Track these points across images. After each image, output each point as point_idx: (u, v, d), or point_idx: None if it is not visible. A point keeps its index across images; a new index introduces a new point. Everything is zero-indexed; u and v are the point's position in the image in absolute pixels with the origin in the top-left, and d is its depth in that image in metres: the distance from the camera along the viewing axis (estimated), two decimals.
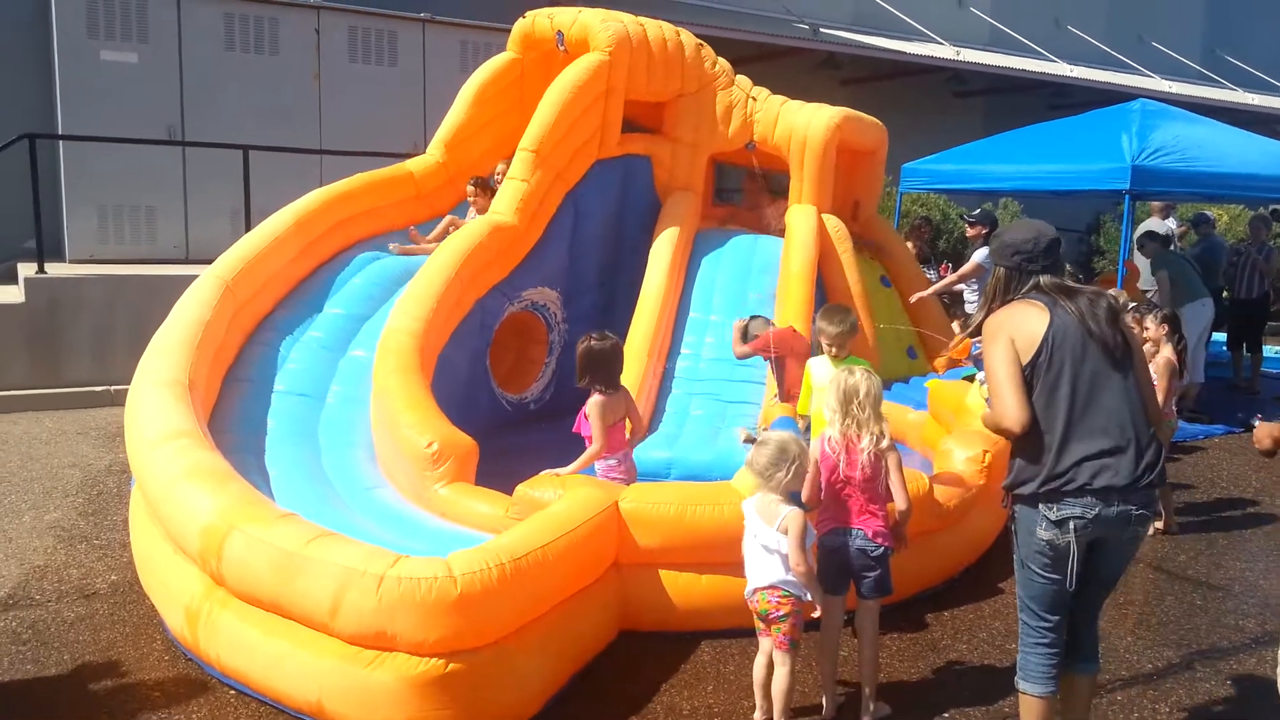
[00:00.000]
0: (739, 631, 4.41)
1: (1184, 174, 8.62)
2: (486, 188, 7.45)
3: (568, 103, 7.15)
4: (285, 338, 6.23)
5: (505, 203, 6.90)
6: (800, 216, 7.93)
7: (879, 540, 3.81)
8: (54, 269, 9.12)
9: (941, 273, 9.99)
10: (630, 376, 6.66)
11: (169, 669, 4.08)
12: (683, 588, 4.49)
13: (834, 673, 3.93)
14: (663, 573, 4.47)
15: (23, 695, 3.85)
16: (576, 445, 6.30)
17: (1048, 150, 9.71)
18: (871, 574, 3.84)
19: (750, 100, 8.27)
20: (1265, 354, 10.88)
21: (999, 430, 3.24)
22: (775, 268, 7.75)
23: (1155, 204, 11.58)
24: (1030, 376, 3.20)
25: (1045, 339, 3.19)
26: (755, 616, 3.78)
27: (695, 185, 8.24)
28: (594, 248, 7.85)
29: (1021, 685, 3.39)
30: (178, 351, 5.34)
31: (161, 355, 5.32)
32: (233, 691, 3.88)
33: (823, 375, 5.22)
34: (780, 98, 8.37)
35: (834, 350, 5.06)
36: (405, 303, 6.14)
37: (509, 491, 4.84)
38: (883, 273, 8.90)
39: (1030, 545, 3.27)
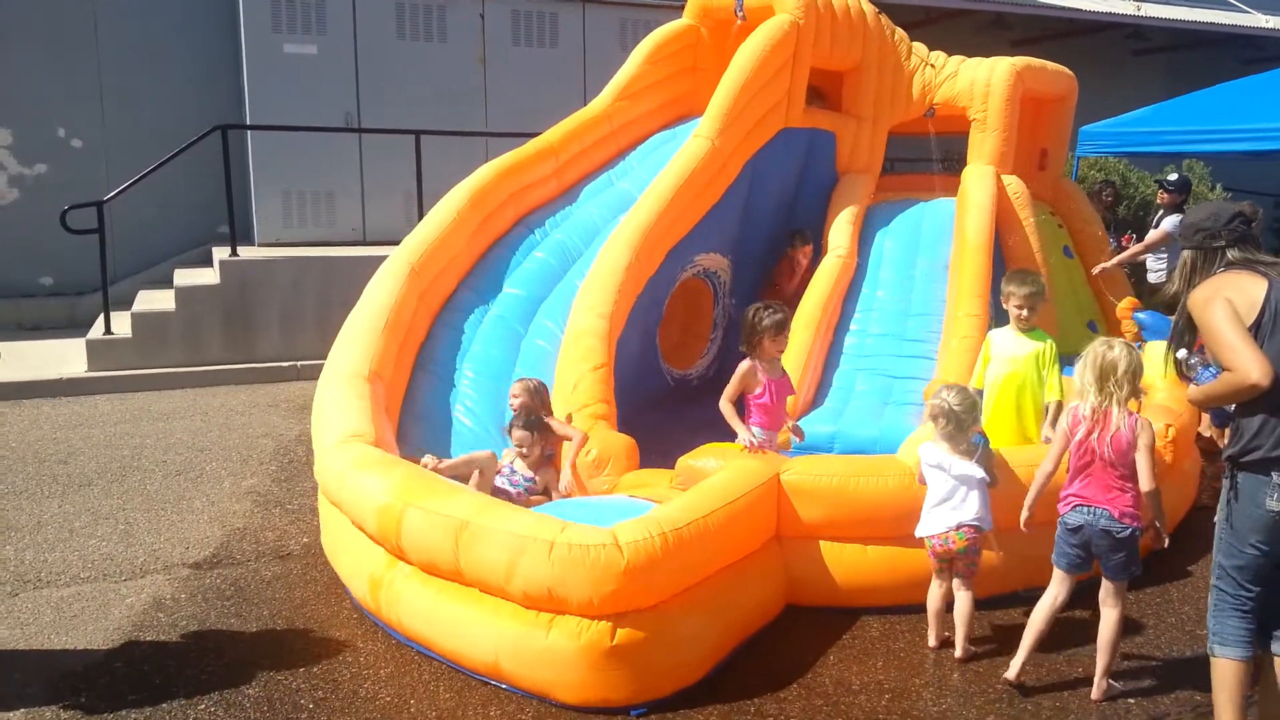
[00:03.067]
0: (907, 608, 4.39)
1: None
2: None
3: (761, 62, 7.02)
4: (468, 319, 6.39)
5: (683, 166, 6.78)
6: (977, 178, 7.55)
7: (1126, 520, 3.68)
8: (245, 252, 9.73)
9: (1124, 243, 9.47)
10: (796, 350, 6.61)
11: (356, 626, 4.32)
12: (849, 562, 4.45)
13: (1036, 644, 3.84)
14: (829, 547, 4.45)
15: (229, 645, 4.14)
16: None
17: (1242, 108, 9.06)
18: (1117, 555, 3.72)
19: (928, 66, 8.05)
20: None
21: (1239, 390, 3.05)
22: (947, 237, 7.50)
23: None
24: (1254, 338, 3.08)
25: (1268, 299, 3.12)
26: (935, 557, 4.14)
27: (874, 167, 8.07)
28: (765, 220, 7.74)
29: (1217, 650, 3.29)
30: (364, 341, 5.56)
31: (349, 346, 5.57)
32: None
33: (1005, 346, 5.09)
34: (959, 57, 8.12)
35: (1023, 314, 4.93)
36: (589, 297, 6.10)
37: (670, 465, 4.93)
38: (1067, 242, 8.50)
39: (1252, 517, 3.14)
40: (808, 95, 7.65)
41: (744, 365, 5.00)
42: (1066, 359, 7.54)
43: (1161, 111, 10.02)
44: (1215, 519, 3.34)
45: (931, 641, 4.20)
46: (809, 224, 7.71)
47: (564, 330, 6.09)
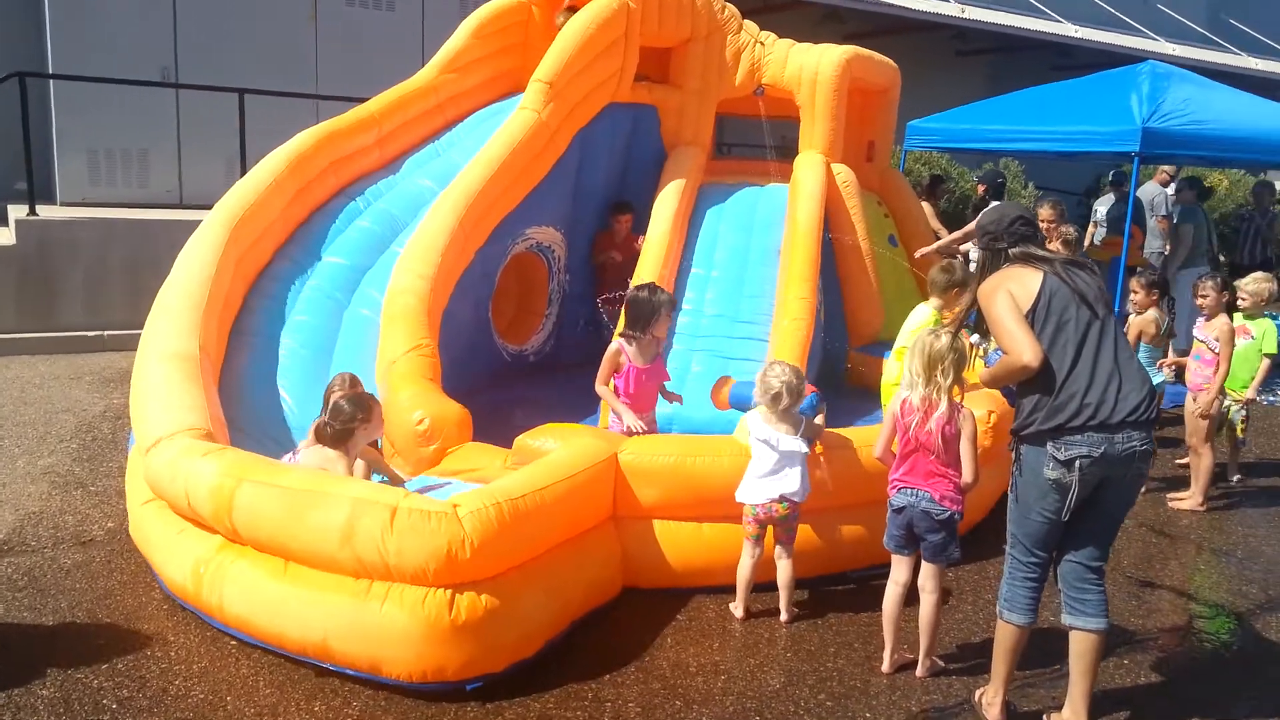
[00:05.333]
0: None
1: (1194, 136, 8.50)
2: None
3: (589, 37, 6.94)
4: (288, 289, 6.10)
5: (510, 135, 6.68)
6: (808, 166, 7.74)
7: (946, 504, 3.80)
8: (45, 211, 8.96)
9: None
10: None
11: (167, 619, 4.03)
12: (685, 542, 4.47)
13: (896, 631, 3.94)
14: (665, 528, 4.47)
15: (20, 642, 3.79)
16: (578, 398, 6.27)
17: (1056, 111, 9.56)
18: (935, 537, 3.84)
19: (758, 45, 8.14)
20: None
21: (1015, 371, 3.36)
22: (780, 222, 7.63)
23: (1165, 169, 11.38)
24: (1030, 324, 3.38)
25: (1042, 290, 3.42)
26: (755, 524, 4.25)
27: (702, 138, 8.10)
28: (598, 195, 7.73)
29: (1006, 615, 3.57)
30: (186, 315, 5.21)
31: (168, 320, 5.19)
32: (234, 642, 3.84)
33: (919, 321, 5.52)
34: (789, 40, 8.24)
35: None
36: (408, 258, 5.98)
37: (506, 444, 4.82)
38: (893, 231, 8.80)
39: (1035, 485, 3.43)
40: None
41: (611, 347, 4.99)
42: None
43: (982, 109, 10.47)
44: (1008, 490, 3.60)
45: (739, 613, 4.29)
46: (642, 198, 7.70)
47: None
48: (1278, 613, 4.69)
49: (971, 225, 8.87)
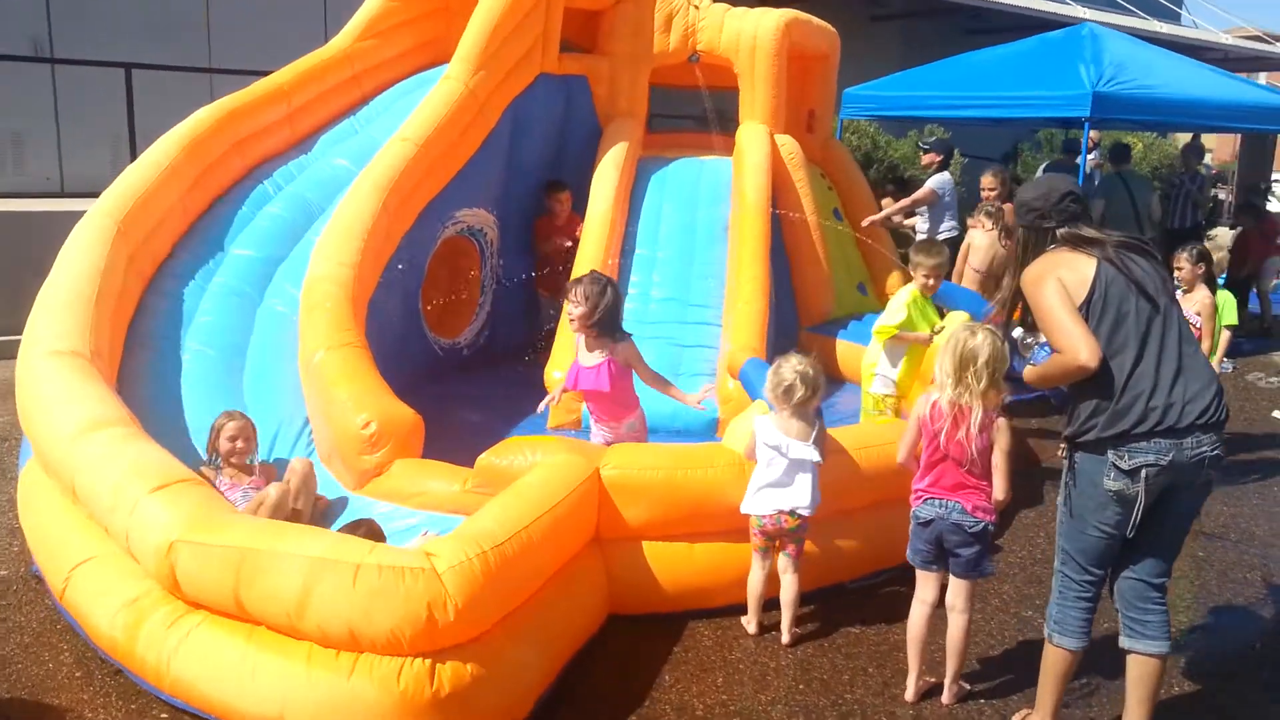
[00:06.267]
0: (735, 609, 4.03)
1: (1144, 101, 8.36)
2: None
3: (512, 1, 6.46)
4: (189, 285, 5.43)
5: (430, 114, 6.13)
6: (752, 138, 7.42)
7: (979, 515, 3.43)
8: None
9: (883, 203, 9.55)
10: None
11: (81, 688, 3.41)
12: (675, 562, 4.01)
13: (922, 654, 3.56)
14: (653, 547, 3.99)
15: None
16: (520, 393, 5.79)
17: (1001, 77, 9.33)
18: (967, 551, 3.47)
19: (692, 8, 7.73)
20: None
21: (1070, 371, 2.98)
22: (724, 196, 7.31)
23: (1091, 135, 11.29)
24: (1085, 317, 3.01)
25: (1097, 279, 3.03)
26: (761, 536, 3.88)
27: (637, 109, 7.71)
28: (533, 174, 7.28)
29: (1056, 639, 3.22)
30: (73, 313, 4.53)
31: (54, 318, 4.51)
32: (165, 714, 3.25)
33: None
34: (723, 5, 7.85)
35: (930, 281, 5.31)
36: (327, 244, 5.41)
37: (455, 453, 4.38)
38: (837, 204, 8.49)
39: (1092, 497, 3.07)
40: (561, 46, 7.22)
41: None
42: (841, 322, 7.59)
43: (923, 75, 10.17)
44: (1057, 502, 3.26)
45: (752, 629, 3.95)
46: (578, 175, 7.28)
47: None
48: None
49: (920, 193, 8.65)
